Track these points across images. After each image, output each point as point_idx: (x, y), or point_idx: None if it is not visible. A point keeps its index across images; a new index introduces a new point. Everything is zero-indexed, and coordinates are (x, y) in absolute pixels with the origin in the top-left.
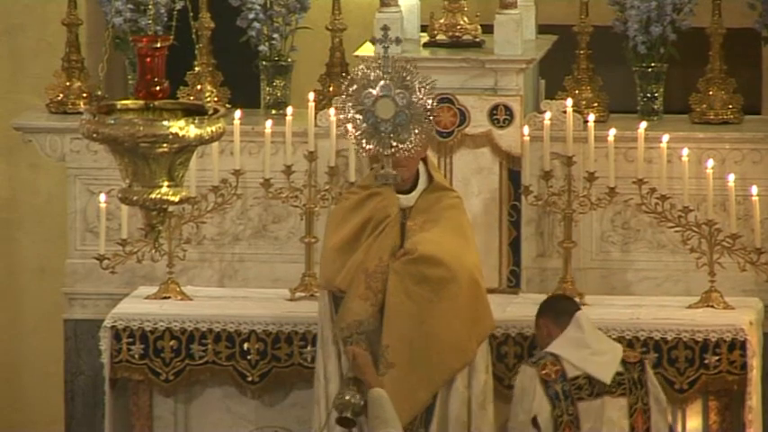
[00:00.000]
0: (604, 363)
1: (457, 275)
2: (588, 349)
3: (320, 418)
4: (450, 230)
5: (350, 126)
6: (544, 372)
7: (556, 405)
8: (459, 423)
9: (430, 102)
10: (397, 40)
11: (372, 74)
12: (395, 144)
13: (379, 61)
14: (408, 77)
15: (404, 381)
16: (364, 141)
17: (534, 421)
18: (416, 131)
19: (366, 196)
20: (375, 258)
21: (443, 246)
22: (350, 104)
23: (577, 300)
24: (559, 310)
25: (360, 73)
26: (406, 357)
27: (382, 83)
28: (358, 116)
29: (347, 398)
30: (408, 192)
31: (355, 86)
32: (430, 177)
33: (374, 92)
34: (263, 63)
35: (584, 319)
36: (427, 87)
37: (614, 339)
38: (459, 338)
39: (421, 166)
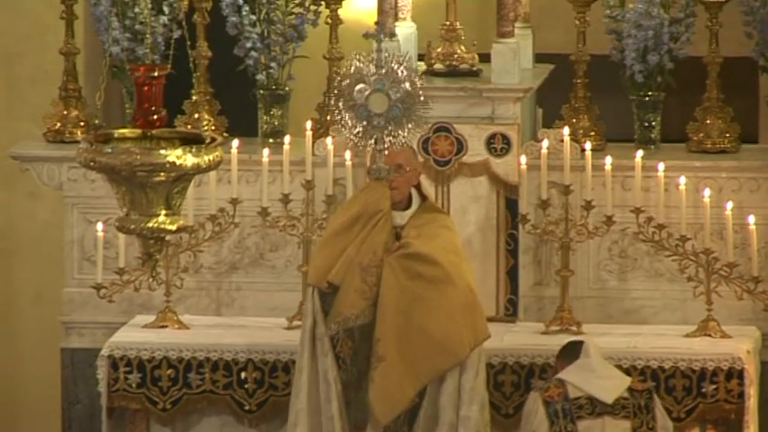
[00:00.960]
0: (608, 386)
1: (452, 278)
2: (593, 373)
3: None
4: (445, 245)
5: (344, 120)
6: (547, 394)
7: (554, 422)
8: (448, 425)
9: (422, 94)
10: (391, 34)
11: (365, 68)
12: (388, 139)
13: (373, 55)
14: (402, 71)
15: (392, 374)
16: (358, 136)
17: None
18: (410, 126)
19: (358, 192)
20: (369, 253)
21: (439, 250)
22: (341, 100)
23: (574, 329)
24: (572, 351)
25: (353, 68)
26: (396, 351)
27: (375, 77)
28: (350, 112)
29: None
30: (403, 210)
31: (348, 81)
32: (423, 198)
33: (367, 86)
34: (261, 92)
35: (591, 346)
36: (419, 79)
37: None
38: (449, 339)
39: (413, 191)
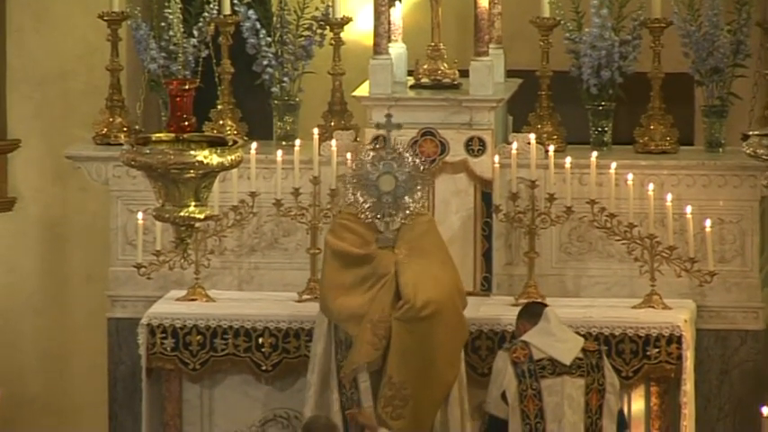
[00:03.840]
0: (566, 348)
1: (445, 304)
2: (553, 337)
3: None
4: (433, 259)
5: (356, 197)
6: (515, 355)
7: (521, 381)
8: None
9: (422, 178)
10: (398, 126)
11: (376, 154)
12: (394, 213)
13: (383, 143)
14: (407, 156)
15: (419, 409)
16: (369, 211)
17: (503, 396)
18: (411, 202)
19: (364, 255)
20: (378, 310)
21: (430, 281)
22: (354, 181)
23: (539, 301)
24: (533, 312)
25: (369, 155)
26: (419, 388)
27: (383, 162)
28: (362, 190)
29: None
30: None
31: (362, 167)
32: None
33: (378, 169)
34: (275, 102)
35: (551, 313)
36: (421, 166)
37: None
38: (451, 354)
39: None
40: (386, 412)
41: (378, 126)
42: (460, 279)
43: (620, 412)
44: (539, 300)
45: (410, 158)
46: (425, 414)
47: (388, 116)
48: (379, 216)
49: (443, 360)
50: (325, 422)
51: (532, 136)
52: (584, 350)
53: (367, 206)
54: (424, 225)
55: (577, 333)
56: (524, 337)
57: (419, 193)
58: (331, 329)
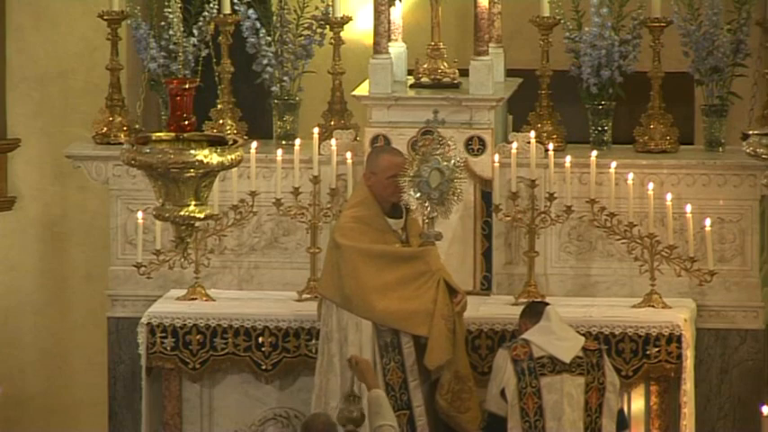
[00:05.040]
0: (566, 347)
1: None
2: (553, 335)
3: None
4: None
5: (408, 193)
6: (515, 353)
7: (521, 379)
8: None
9: (459, 173)
10: (443, 121)
11: (428, 150)
12: (440, 208)
13: (433, 139)
14: (450, 153)
15: (476, 400)
16: (422, 204)
17: (503, 393)
18: (453, 197)
19: (413, 253)
20: (444, 306)
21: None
22: (408, 178)
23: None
24: (535, 311)
25: (422, 150)
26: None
27: (433, 158)
28: (415, 188)
29: (352, 414)
30: (400, 216)
31: (416, 162)
32: None
33: (429, 165)
34: (275, 101)
35: (552, 312)
36: (458, 162)
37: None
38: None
39: None
40: (455, 407)
41: (427, 122)
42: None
43: (621, 411)
44: (539, 299)
45: (454, 153)
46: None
47: (435, 111)
48: (427, 212)
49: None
50: (324, 420)
51: (532, 135)
52: (584, 349)
53: (417, 197)
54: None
55: (578, 332)
56: (525, 335)
57: (459, 189)
58: (374, 334)
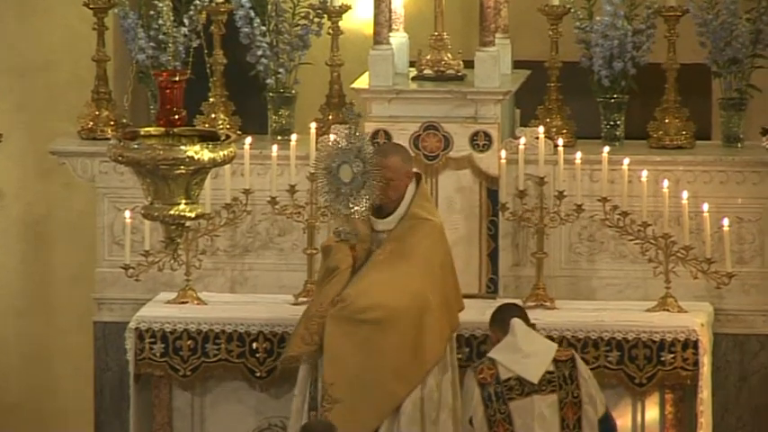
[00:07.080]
0: (534, 364)
1: (402, 313)
2: (520, 353)
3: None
4: (410, 265)
5: (322, 185)
6: (481, 376)
7: (488, 406)
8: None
9: (375, 172)
10: (359, 116)
11: (339, 143)
12: (351, 205)
13: (345, 132)
14: (364, 149)
15: (353, 414)
16: (329, 200)
17: (471, 421)
18: (366, 197)
19: (324, 248)
20: (317, 303)
21: (389, 286)
22: (321, 166)
23: (548, 304)
24: (502, 317)
25: (330, 142)
26: (352, 392)
27: (342, 151)
28: (325, 179)
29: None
30: (386, 216)
31: (325, 152)
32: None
33: (338, 158)
34: (270, 94)
35: (517, 325)
36: (374, 160)
37: (580, 340)
38: (405, 367)
39: (410, 190)
40: (321, 407)
41: (345, 114)
42: (450, 296)
43: (606, 417)
44: (510, 302)
45: (369, 152)
46: (361, 422)
47: (350, 105)
48: (337, 207)
49: (390, 371)
50: (323, 421)
51: (541, 130)
52: (555, 361)
53: (326, 192)
54: (425, 230)
55: (586, 339)
56: (492, 354)
57: (369, 195)
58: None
